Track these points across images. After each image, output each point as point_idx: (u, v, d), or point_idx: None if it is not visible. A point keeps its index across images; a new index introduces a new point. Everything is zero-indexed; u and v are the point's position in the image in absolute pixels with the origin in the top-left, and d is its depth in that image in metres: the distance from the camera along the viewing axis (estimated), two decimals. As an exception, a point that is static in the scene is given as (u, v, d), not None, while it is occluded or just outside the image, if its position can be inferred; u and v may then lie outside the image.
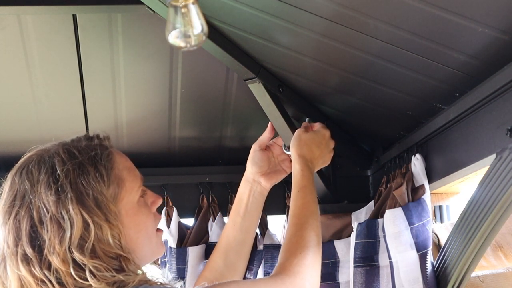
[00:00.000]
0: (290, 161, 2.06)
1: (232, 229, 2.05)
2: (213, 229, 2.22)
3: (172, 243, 2.21)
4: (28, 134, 2.21)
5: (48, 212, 1.51)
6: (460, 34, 1.47)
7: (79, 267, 1.48)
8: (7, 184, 1.59)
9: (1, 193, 1.59)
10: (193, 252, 2.19)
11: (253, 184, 2.06)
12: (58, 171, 1.54)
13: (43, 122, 2.18)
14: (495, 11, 1.38)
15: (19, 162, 1.61)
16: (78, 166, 1.55)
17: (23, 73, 2.01)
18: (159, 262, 2.31)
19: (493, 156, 1.56)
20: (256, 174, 2.06)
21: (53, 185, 1.53)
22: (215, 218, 2.25)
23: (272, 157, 2.10)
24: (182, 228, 2.25)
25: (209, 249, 2.19)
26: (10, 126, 2.20)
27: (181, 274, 2.17)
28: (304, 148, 1.94)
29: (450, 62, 1.59)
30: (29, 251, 1.51)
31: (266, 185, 2.07)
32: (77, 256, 1.48)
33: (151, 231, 1.63)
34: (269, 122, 2.06)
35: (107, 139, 1.68)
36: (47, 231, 1.50)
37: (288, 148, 2.05)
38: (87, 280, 1.47)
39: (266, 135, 2.07)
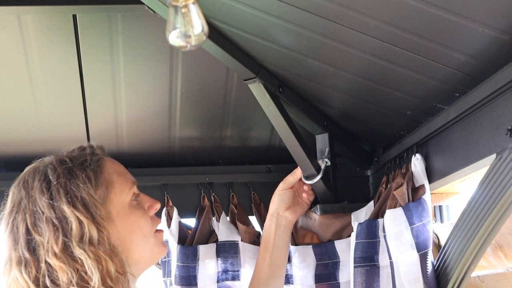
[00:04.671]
0: (308, 192, 2.15)
1: (262, 264, 2.11)
2: (220, 229, 2.23)
3: (173, 242, 2.21)
4: (28, 134, 2.21)
5: (43, 215, 1.60)
6: (460, 34, 1.47)
7: (74, 265, 1.56)
8: (8, 197, 1.69)
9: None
10: (204, 250, 2.20)
11: (278, 219, 2.12)
12: (50, 177, 1.64)
13: (43, 122, 2.18)
14: (495, 11, 1.38)
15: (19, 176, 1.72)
16: (68, 171, 1.65)
17: (23, 73, 2.01)
18: (159, 262, 2.31)
19: (493, 156, 1.56)
20: (281, 208, 2.12)
21: (46, 190, 1.62)
22: (219, 218, 2.25)
23: (294, 191, 2.16)
24: (182, 228, 2.25)
25: (220, 248, 2.21)
26: (10, 126, 2.20)
27: (191, 272, 2.18)
28: None
29: (450, 62, 1.59)
30: (26, 254, 1.59)
31: (292, 218, 2.13)
32: (77, 251, 1.56)
33: (147, 231, 1.71)
34: (298, 166, 2.11)
35: (100, 148, 1.78)
36: (44, 232, 1.59)
37: (307, 178, 2.10)
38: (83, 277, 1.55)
39: (296, 177, 2.12)
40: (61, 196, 1.60)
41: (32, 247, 1.59)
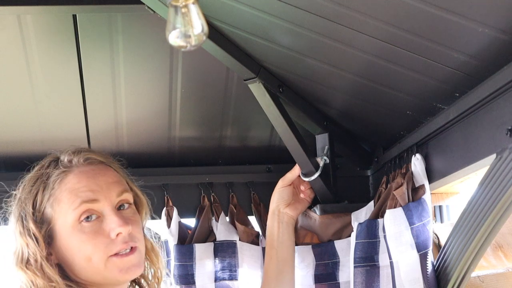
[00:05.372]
0: (306, 192, 2.15)
1: (269, 263, 2.13)
2: (218, 228, 2.23)
3: (173, 242, 2.21)
4: (28, 134, 2.21)
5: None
6: (460, 34, 1.47)
7: None
8: None
9: None
10: (200, 249, 2.20)
11: (279, 216, 2.14)
12: (20, 188, 1.71)
13: (43, 122, 2.18)
14: (495, 11, 1.38)
15: None
16: (30, 185, 1.69)
17: (23, 73, 2.01)
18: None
19: (493, 156, 1.56)
20: (282, 205, 2.14)
21: (15, 199, 1.70)
22: (218, 218, 2.25)
23: (293, 188, 2.17)
24: (182, 228, 2.25)
25: (218, 247, 2.21)
26: (10, 126, 2.20)
27: (189, 271, 2.18)
28: None
29: (450, 62, 1.59)
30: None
31: (293, 214, 2.15)
32: (14, 262, 1.65)
33: (93, 255, 1.63)
34: (296, 164, 2.12)
35: (78, 155, 1.72)
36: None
37: (305, 175, 2.11)
38: None
39: (294, 174, 2.14)
40: (15, 210, 1.69)
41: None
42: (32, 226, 1.63)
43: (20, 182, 1.71)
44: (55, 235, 1.65)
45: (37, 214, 1.65)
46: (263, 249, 2.24)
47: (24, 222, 1.65)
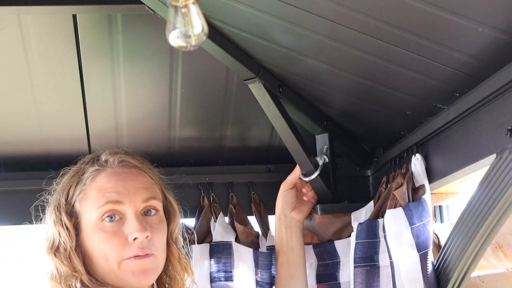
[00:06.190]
0: (307, 195, 2.15)
1: (281, 268, 2.13)
2: (216, 229, 2.23)
3: (172, 243, 2.21)
4: (28, 134, 2.21)
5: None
6: (460, 34, 1.47)
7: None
8: None
9: None
10: (197, 250, 2.20)
11: (286, 221, 2.14)
12: (59, 179, 1.79)
13: (43, 122, 2.18)
14: (495, 11, 1.38)
15: None
16: (68, 177, 1.77)
17: (23, 73, 2.01)
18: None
19: (493, 156, 1.56)
20: (287, 210, 2.14)
21: (55, 189, 1.80)
22: (216, 218, 2.25)
23: (296, 191, 2.17)
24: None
25: (213, 248, 2.20)
26: (10, 126, 2.20)
27: None
28: None
29: (450, 62, 1.59)
30: None
31: (299, 218, 2.15)
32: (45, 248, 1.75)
33: (110, 255, 1.68)
34: (296, 165, 2.12)
35: (114, 156, 1.77)
36: None
37: (305, 175, 2.11)
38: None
39: (295, 175, 2.14)
40: (53, 199, 1.76)
41: None
42: (64, 217, 1.71)
43: (62, 172, 1.79)
44: (81, 229, 1.71)
45: (68, 206, 1.73)
46: (259, 250, 2.24)
47: (58, 212, 1.72)
